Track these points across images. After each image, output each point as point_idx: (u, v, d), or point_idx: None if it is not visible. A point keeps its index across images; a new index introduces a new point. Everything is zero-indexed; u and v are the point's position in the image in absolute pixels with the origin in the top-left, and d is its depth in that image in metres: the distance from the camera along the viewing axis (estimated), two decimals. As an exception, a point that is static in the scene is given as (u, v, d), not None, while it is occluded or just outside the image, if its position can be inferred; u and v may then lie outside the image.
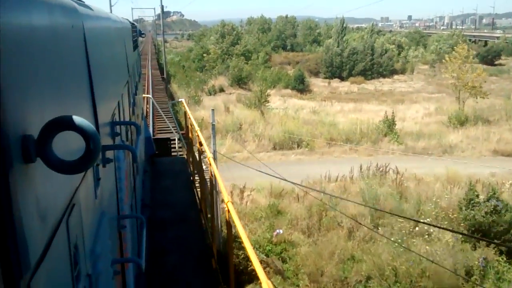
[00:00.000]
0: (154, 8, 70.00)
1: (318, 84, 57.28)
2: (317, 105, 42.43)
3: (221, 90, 50.34)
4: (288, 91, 52.44)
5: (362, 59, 60.47)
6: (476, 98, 33.33)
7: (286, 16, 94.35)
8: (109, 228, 2.37)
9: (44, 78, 1.24)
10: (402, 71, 66.00)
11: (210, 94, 48.75)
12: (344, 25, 72.43)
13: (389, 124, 27.24)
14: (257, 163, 23.38)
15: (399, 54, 75.89)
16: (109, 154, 2.62)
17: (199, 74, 56.00)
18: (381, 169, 19.50)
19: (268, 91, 40.97)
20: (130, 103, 5.27)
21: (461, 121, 29.67)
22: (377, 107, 40.78)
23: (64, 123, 1.05)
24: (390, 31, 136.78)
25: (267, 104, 39.93)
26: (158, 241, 6.55)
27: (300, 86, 52.16)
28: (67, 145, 1.30)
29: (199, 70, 62.44)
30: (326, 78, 62.73)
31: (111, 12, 38.75)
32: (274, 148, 24.89)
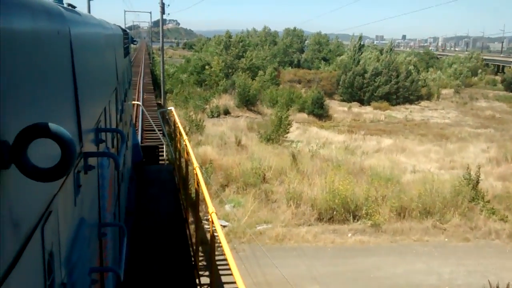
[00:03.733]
0: (151, 12, 62.32)
1: (336, 108, 49.37)
2: (346, 138, 34.45)
3: (226, 111, 42.18)
4: (304, 115, 44.49)
5: (386, 81, 52.73)
6: None
7: (294, 29, 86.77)
8: (88, 236, 2.32)
9: (24, 83, 1.23)
10: (428, 97, 58.38)
11: (213, 116, 40.58)
12: (362, 42, 64.92)
13: (473, 184, 19.21)
14: (298, 246, 15.24)
15: (410, 75, 68.46)
16: (92, 161, 2.54)
17: (199, 91, 47.80)
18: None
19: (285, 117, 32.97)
20: (118, 110, 5.15)
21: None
22: (422, 145, 32.91)
23: (40, 130, 1.04)
24: (391, 50, 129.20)
25: (285, 136, 32.02)
26: (141, 250, 6.42)
27: (319, 111, 44.20)
28: (45, 152, 1.28)
29: (198, 85, 54.26)
30: (343, 100, 54.90)
31: (89, 11, 30.88)
32: (320, 219, 16.74)
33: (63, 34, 1.90)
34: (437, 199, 17.49)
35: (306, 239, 15.42)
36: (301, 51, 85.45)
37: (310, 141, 32.96)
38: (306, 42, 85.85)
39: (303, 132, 36.05)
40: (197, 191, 6.75)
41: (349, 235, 15.94)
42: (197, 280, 6.08)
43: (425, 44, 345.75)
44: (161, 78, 23.90)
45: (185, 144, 7.91)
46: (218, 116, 40.98)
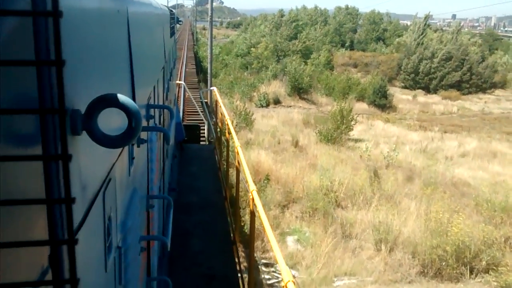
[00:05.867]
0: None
1: (398, 96, 43.69)
2: (421, 136, 29.21)
3: (276, 100, 37.46)
4: (363, 105, 39.22)
5: (457, 67, 46.42)
6: None
7: (347, 7, 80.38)
8: (139, 205, 2.40)
9: (91, 58, 1.31)
10: (502, 85, 51.64)
11: (261, 106, 36.02)
12: (427, 22, 58.32)
13: None
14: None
15: (482, 60, 61.22)
16: (143, 135, 2.63)
17: (246, 76, 43.11)
18: None
19: (341, 106, 27.85)
20: (165, 88, 5.26)
21: None
22: (514, 148, 27.26)
23: (110, 100, 1.09)
24: (442, 30, 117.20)
25: (350, 133, 27.09)
26: (182, 225, 6.60)
27: (381, 101, 38.76)
28: (108, 122, 1.33)
29: (244, 68, 49.56)
30: (405, 87, 49.11)
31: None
32: (423, 272, 11.96)
33: (122, 13, 1.95)
34: None
35: (409, 306, 10.73)
36: (354, 31, 79.16)
37: (378, 139, 27.99)
38: (360, 21, 79.44)
39: (367, 128, 30.98)
40: (238, 169, 6.82)
41: (470, 302, 11.12)
42: (235, 255, 6.18)
43: (476, 24, 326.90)
44: (209, 72, 19.46)
45: (227, 124, 7.99)
46: (267, 105, 36.39)
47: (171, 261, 5.52)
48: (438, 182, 18.12)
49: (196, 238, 6.43)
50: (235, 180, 8.00)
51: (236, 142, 6.80)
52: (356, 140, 27.04)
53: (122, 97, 1.10)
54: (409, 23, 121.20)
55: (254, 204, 4.82)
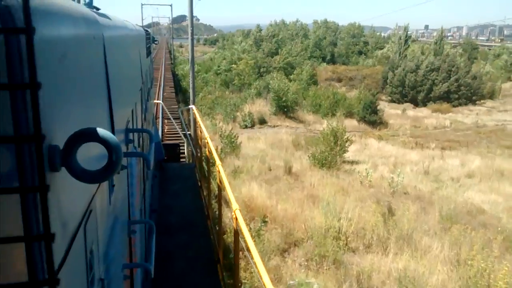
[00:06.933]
0: (171, 5, 54.78)
1: (387, 111, 41.90)
2: (419, 155, 27.29)
3: (262, 120, 35.25)
4: (353, 122, 37.30)
5: (444, 78, 44.96)
6: None
7: (325, 21, 79.11)
8: (121, 233, 2.33)
9: (69, 89, 1.27)
10: (491, 95, 50.46)
11: (246, 126, 33.80)
12: (408, 34, 57.12)
13: None
14: None
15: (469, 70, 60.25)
16: (123, 161, 2.36)
17: (228, 95, 40.85)
18: None
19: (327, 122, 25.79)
20: (143, 110, 5.24)
21: None
22: (520, 164, 25.43)
23: (89, 135, 1.07)
24: (418, 40, 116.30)
25: (345, 155, 24.96)
26: (164, 246, 6.56)
27: (372, 117, 36.87)
28: (88, 155, 1.29)
29: (225, 86, 47.38)
30: (392, 101, 47.48)
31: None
32: None
33: (98, 39, 1.93)
34: None
35: None
36: (334, 44, 77.83)
37: (375, 160, 25.93)
38: (339, 35, 78.15)
39: (361, 148, 28.91)
40: (220, 188, 6.61)
41: None
42: (220, 275, 6.01)
43: (449, 34, 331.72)
44: (191, 89, 17.49)
45: (207, 142, 8.03)
46: (253, 126, 34.16)
47: (154, 285, 5.37)
48: (453, 213, 16.03)
49: (179, 260, 6.29)
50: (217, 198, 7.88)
51: (217, 161, 6.58)
52: (352, 162, 24.94)
53: (102, 131, 1.06)
54: (384, 35, 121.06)
55: (237, 223, 4.76)
